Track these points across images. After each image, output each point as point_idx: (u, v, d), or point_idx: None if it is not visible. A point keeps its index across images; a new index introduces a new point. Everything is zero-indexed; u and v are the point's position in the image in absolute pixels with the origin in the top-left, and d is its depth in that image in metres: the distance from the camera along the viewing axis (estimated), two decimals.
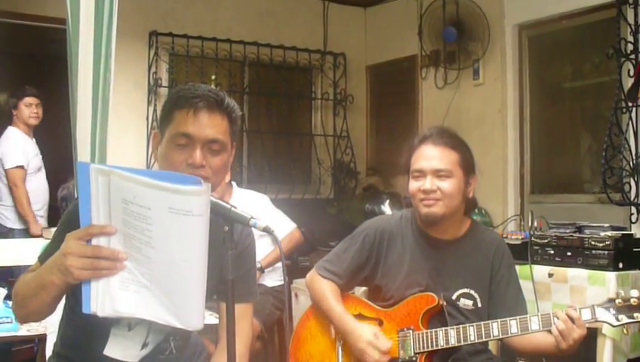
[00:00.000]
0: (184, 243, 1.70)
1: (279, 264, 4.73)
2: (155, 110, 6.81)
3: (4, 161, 6.09)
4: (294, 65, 7.73)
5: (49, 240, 2.24)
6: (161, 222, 1.69)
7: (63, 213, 2.27)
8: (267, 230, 1.89)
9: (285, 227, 4.92)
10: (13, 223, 6.07)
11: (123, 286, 1.78)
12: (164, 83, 6.97)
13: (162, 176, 1.69)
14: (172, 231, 1.69)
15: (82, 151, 3.62)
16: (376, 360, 2.74)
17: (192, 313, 1.80)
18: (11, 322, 3.77)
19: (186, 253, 1.72)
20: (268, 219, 4.74)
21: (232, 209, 1.88)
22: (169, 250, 1.72)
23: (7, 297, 3.84)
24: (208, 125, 2.10)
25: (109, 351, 2.21)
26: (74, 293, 2.11)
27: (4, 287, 4.00)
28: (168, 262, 1.73)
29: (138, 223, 1.71)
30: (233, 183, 4.84)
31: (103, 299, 1.79)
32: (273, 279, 4.81)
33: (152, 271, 1.76)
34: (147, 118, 6.87)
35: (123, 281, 1.78)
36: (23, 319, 2.17)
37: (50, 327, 3.50)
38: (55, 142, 6.40)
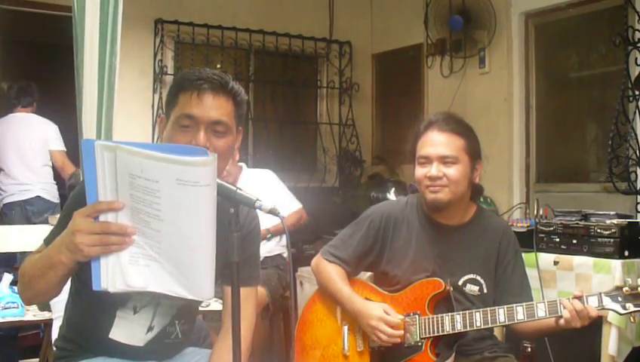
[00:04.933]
0: (192, 213, 1.71)
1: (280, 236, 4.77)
2: (160, 98, 6.81)
3: (53, 143, 6.30)
4: (300, 54, 7.71)
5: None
6: (169, 194, 1.69)
7: (69, 196, 2.28)
8: (273, 212, 1.88)
9: (292, 205, 5.04)
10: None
11: (132, 260, 1.79)
12: (170, 71, 6.97)
13: (169, 148, 1.70)
14: (180, 203, 1.70)
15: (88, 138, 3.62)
16: (389, 334, 2.74)
17: (203, 283, 1.80)
18: (17, 307, 3.79)
19: (194, 223, 1.72)
20: (274, 195, 4.76)
21: (238, 191, 1.87)
22: (178, 222, 1.72)
23: (13, 283, 3.86)
24: (212, 107, 2.10)
25: (114, 334, 2.22)
26: (79, 276, 2.12)
27: (9, 273, 4.02)
28: (177, 234, 1.74)
29: (146, 197, 1.71)
30: (243, 165, 4.84)
31: (114, 274, 1.79)
32: (274, 246, 4.82)
33: (161, 244, 1.77)
34: (152, 106, 6.88)
35: (132, 256, 1.79)
36: (29, 300, 2.17)
37: (55, 313, 3.51)
38: (61, 130, 6.45)
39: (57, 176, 6.34)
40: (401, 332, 2.75)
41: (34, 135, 6.26)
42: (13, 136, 6.20)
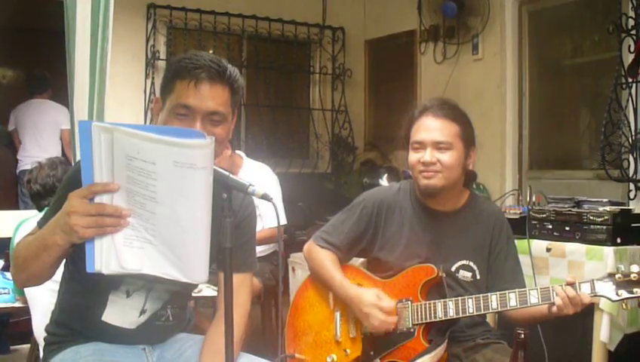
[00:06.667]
0: (188, 196, 1.71)
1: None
2: (152, 83, 6.80)
3: (64, 123, 7.06)
4: (293, 40, 7.71)
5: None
6: (165, 176, 1.69)
7: (63, 178, 2.27)
8: (265, 197, 1.88)
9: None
10: None
11: (127, 242, 1.78)
12: (162, 56, 6.96)
13: (166, 130, 1.70)
14: (176, 185, 1.70)
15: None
16: (382, 320, 2.73)
17: (197, 266, 1.80)
18: (8, 293, 3.77)
19: (189, 206, 1.72)
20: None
21: (230, 176, 1.87)
22: (173, 204, 1.72)
23: (5, 268, 3.84)
24: (209, 97, 2.08)
25: (107, 317, 2.23)
26: (73, 260, 2.11)
27: (1, 259, 4.00)
28: (172, 217, 1.74)
29: (142, 179, 1.71)
30: (242, 154, 4.79)
31: (108, 256, 1.79)
32: (265, 248, 4.76)
33: (156, 227, 1.76)
34: (145, 91, 6.87)
35: (127, 238, 1.78)
36: (22, 282, 2.16)
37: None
38: None
39: (64, 154, 7.03)
40: (395, 318, 2.74)
41: (47, 119, 7.36)
42: (32, 119, 7.37)
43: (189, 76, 2.08)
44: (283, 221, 4.77)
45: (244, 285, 2.32)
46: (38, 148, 7.24)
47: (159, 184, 1.70)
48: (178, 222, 1.74)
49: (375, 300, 2.75)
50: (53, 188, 3.55)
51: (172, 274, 1.81)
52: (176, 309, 2.36)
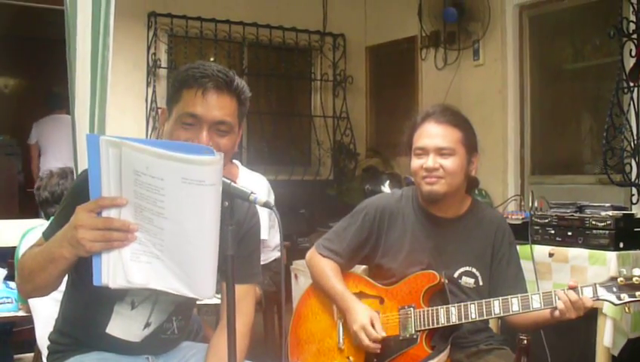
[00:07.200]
0: (196, 212, 1.70)
1: (270, 245, 4.68)
2: (154, 91, 6.80)
3: None
4: (294, 47, 7.71)
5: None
6: (173, 192, 1.69)
7: (68, 189, 2.26)
8: (267, 205, 1.87)
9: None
10: None
11: (134, 257, 1.78)
12: (163, 64, 6.97)
13: (175, 146, 1.69)
14: (184, 201, 1.69)
15: (81, 131, 3.61)
16: (365, 345, 2.73)
17: (204, 282, 1.79)
18: (12, 302, 3.77)
19: (198, 222, 1.71)
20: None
21: (232, 184, 1.86)
22: (181, 220, 1.72)
23: (8, 278, 3.84)
24: (216, 106, 2.07)
25: (111, 329, 2.22)
26: (77, 270, 2.11)
27: (4, 268, 4.00)
28: (180, 232, 1.73)
29: (150, 194, 1.71)
30: (238, 163, 4.76)
31: (115, 270, 1.78)
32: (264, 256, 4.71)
33: (164, 242, 1.76)
34: (146, 100, 6.87)
35: (134, 252, 1.78)
36: (28, 294, 2.16)
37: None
38: None
39: None
40: (378, 346, 2.73)
41: (66, 134, 7.26)
42: (53, 134, 7.74)
43: (197, 85, 2.07)
44: (265, 236, 4.63)
45: (248, 295, 2.31)
46: (64, 159, 7.48)
47: (167, 200, 1.70)
48: (186, 237, 1.73)
49: (366, 323, 2.75)
50: (61, 196, 3.57)
51: (179, 289, 1.80)
52: (181, 321, 2.35)
